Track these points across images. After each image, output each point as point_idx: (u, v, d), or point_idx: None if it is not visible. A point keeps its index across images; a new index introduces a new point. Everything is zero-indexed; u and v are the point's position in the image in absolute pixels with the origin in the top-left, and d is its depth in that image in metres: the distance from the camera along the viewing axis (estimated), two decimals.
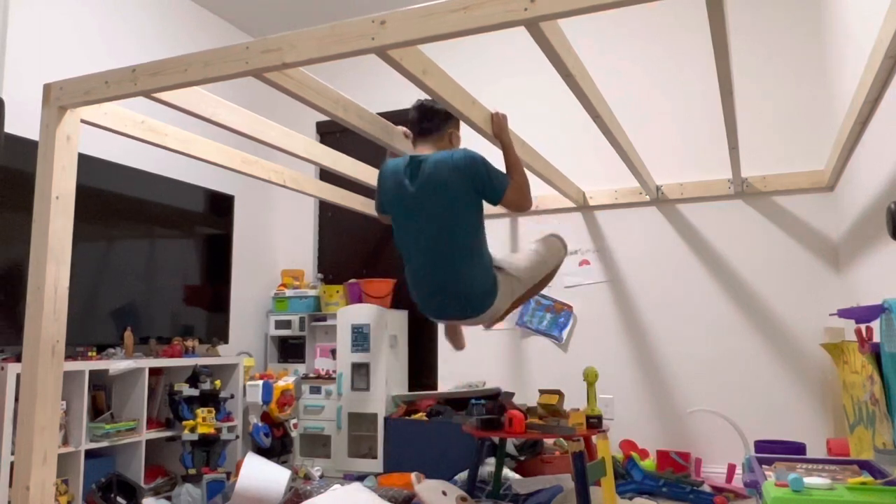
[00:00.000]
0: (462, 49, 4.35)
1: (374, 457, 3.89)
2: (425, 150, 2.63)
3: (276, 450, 3.74)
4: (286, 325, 4.44)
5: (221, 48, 1.96)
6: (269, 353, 4.56)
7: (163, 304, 3.68)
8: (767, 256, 3.64)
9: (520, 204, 2.63)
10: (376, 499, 2.50)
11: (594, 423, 2.70)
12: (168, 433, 3.42)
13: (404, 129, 2.88)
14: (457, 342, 3.01)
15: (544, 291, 4.08)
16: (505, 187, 2.54)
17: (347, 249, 4.78)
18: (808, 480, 1.40)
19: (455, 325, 2.88)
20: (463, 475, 3.20)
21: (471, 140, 3.95)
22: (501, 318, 2.81)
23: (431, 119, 2.68)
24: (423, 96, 2.62)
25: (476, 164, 2.49)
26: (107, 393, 3.32)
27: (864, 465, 1.69)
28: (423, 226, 2.50)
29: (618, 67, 4.05)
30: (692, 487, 3.12)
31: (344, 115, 2.43)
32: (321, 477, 3.66)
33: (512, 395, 3.89)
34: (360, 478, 3.63)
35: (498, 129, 2.68)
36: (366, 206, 3.86)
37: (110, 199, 3.43)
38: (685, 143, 3.88)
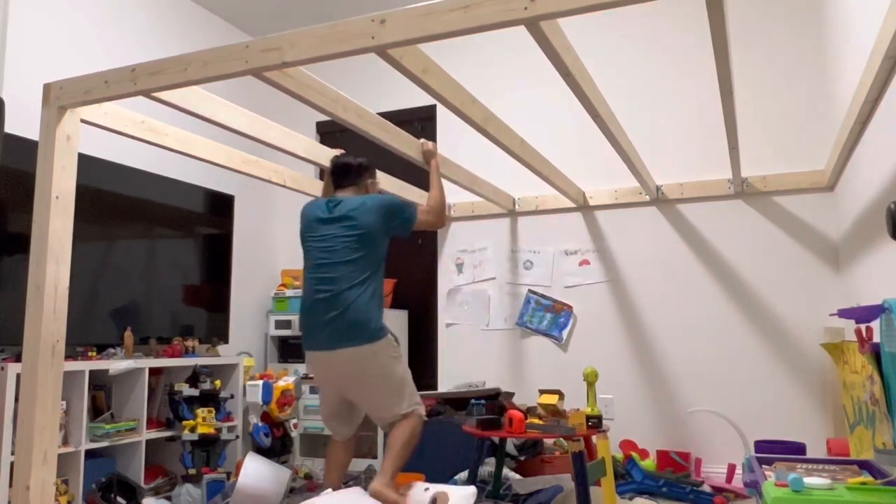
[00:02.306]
0: (462, 48, 4.35)
1: (375, 457, 3.89)
2: (344, 193, 2.86)
3: (276, 450, 3.74)
4: (286, 325, 4.44)
5: (221, 48, 1.96)
6: (269, 353, 4.55)
7: (163, 304, 3.68)
8: (767, 256, 3.64)
9: (434, 222, 2.92)
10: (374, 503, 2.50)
11: (594, 423, 2.70)
12: (168, 433, 3.42)
13: (341, 150, 3.17)
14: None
15: (543, 291, 4.10)
16: (412, 217, 2.80)
17: None
18: (808, 480, 1.40)
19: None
20: (463, 475, 3.20)
21: (465, 139, 3.96)
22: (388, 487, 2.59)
23: (348, 173, 2.90)
24: (421, 93, 2.63)
25: (389, 203, 2.75)
26: (107, 393, 3.32)
27: (864, 465, 1.69)
28: (329, 252, 2.69)
29: (618, 67, 4.05)
30: (692, 487, 3.12)
31: (344, 114, 2.43)
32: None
33: (512, 395, 3.89)
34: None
35: (428, 156, 3.09)
36: None
37: (110, 199, 3.43)
38: (685, 143, 3.88)
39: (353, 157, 2.94)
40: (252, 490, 2.81)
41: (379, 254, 2.73)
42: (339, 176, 2.89)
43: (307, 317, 2.71)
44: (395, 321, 4.20)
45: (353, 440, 2.90)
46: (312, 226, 2.78)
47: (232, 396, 3.66)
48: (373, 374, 2.65)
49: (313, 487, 3.32)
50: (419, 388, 4.25)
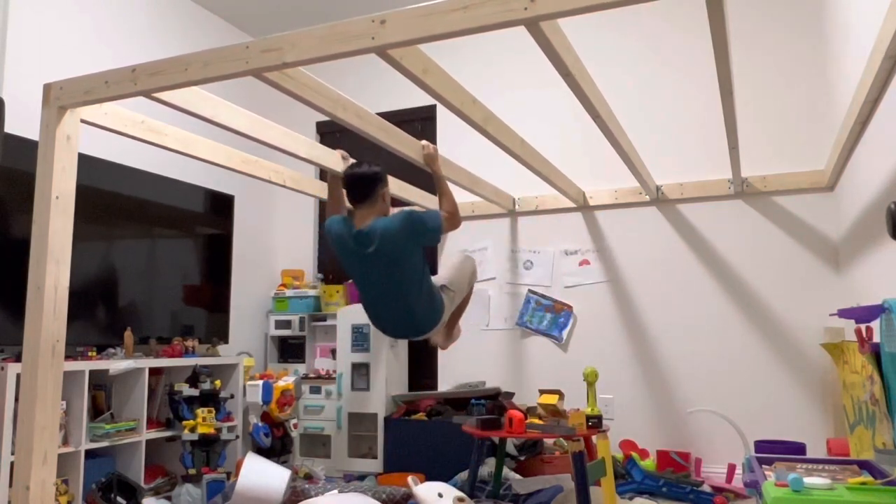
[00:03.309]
0: (462, 48, 4.35)
1: (375, 457, 3.89)
2: (365, 217, 2.86)
3: (276, 450, 3.74)
4: (286, 325, 4.44)
5: (221, 48, 1.96)
6: (269, 353, 4.55)
7: (163, 304, 3.68)
8: (767, 256, 3.64)
9: (453, 227, 2.98)
10: None
11: (594, 423, 2.70)
12: (168, 433, 3.42)
13: (342, 151, 3.23)
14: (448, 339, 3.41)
15: (543, 291, 4.10)
16: (439, 226, 2.85)
17: None
18: (808, 480, 1.40)
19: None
20: (463, 475, 3.20)
21: (465, 139, 3.95)
22: (450, 335, 3.35)
23: (362, 187, 2.89)
24: (421, 93, 2.63)
25: (413, 223, 2.78)
26: (107, 393, 3.32)
27: (864, 465, 1.69)
28: (380, 280, 2.84)
29: (618, 67, 4.05)
30: (692, 487, 3.12)
31: (344, 115, 2.43)
32: (326, 478, 3.66)
33: (512, 395, 3.89)
34: (361, 478, 3.63)
35: (430, 160, 3.06)
36: None
37: (110, 199, 3.43)
38: (685, 143, 3.88)
39: (365, 165, 2.89)
40: (252, 490, 2.81)
41: (417, 259, 2.84)
42: (353, 189, 2.88)
43: (376, 323, 3.02)
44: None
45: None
46: (347, 254, 2.90)
47: (232, 396, 3.66)
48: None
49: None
50: (419, 388, 4.28)
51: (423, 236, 2.81)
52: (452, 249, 4.37)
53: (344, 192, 3.02)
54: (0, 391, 2.66)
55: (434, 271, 3.25)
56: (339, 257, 2.98)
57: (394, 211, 2.93)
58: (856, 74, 2.66)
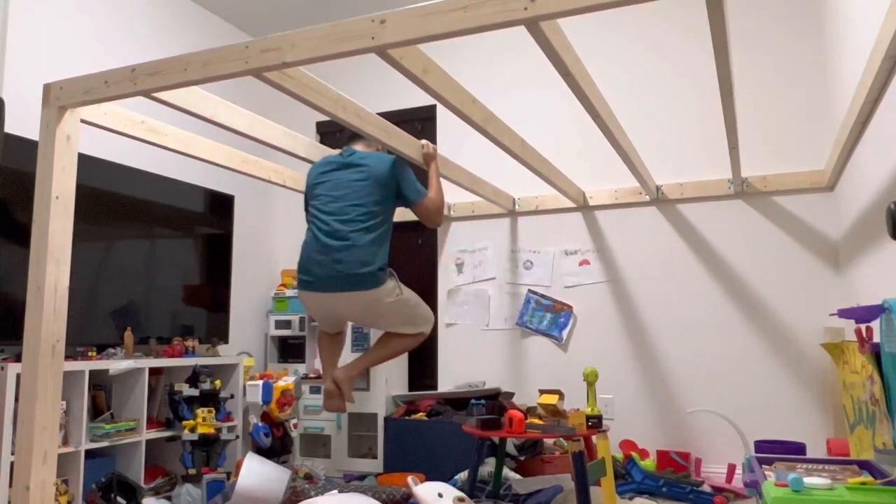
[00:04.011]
0: (462, 48, 4.35)
1: (374, 457, 3.89)
2: (358, 147, 2.97)
3: (276, 450, 3.74)
4: (286, 325, 4.44)
5: (221, 48, 1.96)
6: (269, 353, 4.55)
7: (163, 304, 3.68)
8: (767, 256, 3.64)
9: (431, 218, 2.93)
10: None
11: (594, 423, 2.70)
12: (168, 433, 3.42)
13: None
14: (338, 403, 2.98)
15: (543, 291, 4.10)
16: (422, 196, 2.86)
17: None
18: (808, 480, 1.40)
19: (337, 384, 2.96)
20: (463, 475, 3.20)
21: (465, 139, 3.96)
22: (353, 374, 2.95)
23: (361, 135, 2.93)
24: (421, 93, 2.64)
25: (403, 168, 2.82)
26: (107, 393, 3.32)
27: (864, 465, 1.69)
28: (337, 197, 2.77)
29: (618, 67, 4.05)
30: (692, 487, 3.12)
31: (344, 114, 2.43)
32: (326, 478, 3.66)
33: (512, 395, 3.89)
34: (361, 478, 3.63)
35: (429, 159, 3.09)
36: None
37: (110, 199, 3.43)
38: (685, 143, 3.88)
39: None
40: (252, 490, 2.81)
41: (388, 205, 2.81)
42: (353, 135, 2.99)
43: (309, 257, 2.77)
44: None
45: (343, 333, 3.19)
46: (322, 176, 2.86)
47: (232, 396, 3.66)
48: (374, 315, 2.84)
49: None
50: (419, 388, 4.27)
51: (404, 183, 2.83)
52: (452, 251, 4.37)
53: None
54: (0, 391, 2.66)
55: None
56: (312, 180, 2.92)
57: None
58: (856, 74, 2.66)
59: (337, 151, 3.10)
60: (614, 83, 3.96)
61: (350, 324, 3.26)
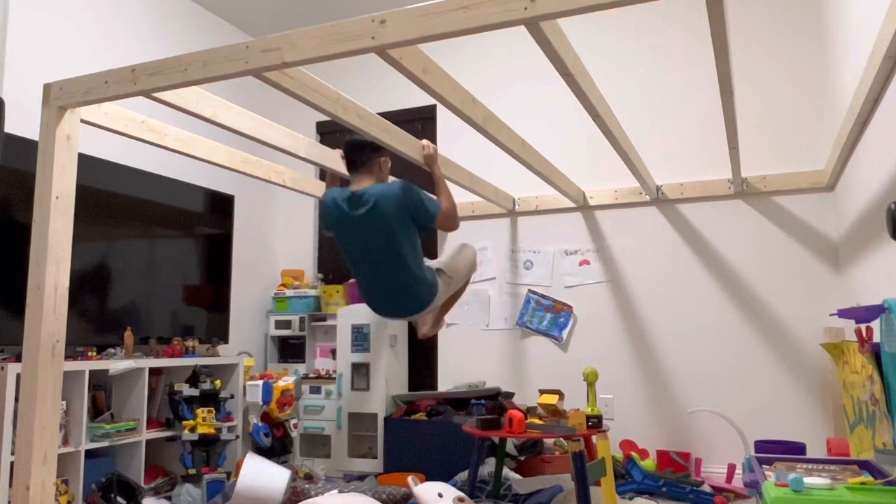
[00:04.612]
0: (463, 48, 4.36)
1: (375, 457, 3.89)
2: (362, 183, 2.89)
3: (276, 450, 3.74)
4: (286, 325, 4.44)
5: (221, 48, 1.96)
6: (269, 353, 4.55)
7: (163, 304, 3.68)
8: (767, 256, 3.64)
9: (449, 227, 2.98)
10: None
11: (594, 423, 2.70)
12: (168, 433, 3.42)
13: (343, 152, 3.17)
14: (433, 327, 3.43)
15: (543, 291, 4.10)
16: (436, 212, 2.86)
17: None
18: (808, 480, 1.40)
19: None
20: (463, 475, 3.20)
21: (465, 139, 3.96)
22: (437, 323, 3.39)
23: (360, 151, 2.93)
24: (421, 93, 2.65)
25: (411, 194, 2.79)
26: (107, 393, 3.32)
27: (864, 465, 1.69)
28: (369, 247, 2.83)
29: (618, 67, 4.05)
30: (692, 487, 3.12)
31: (344, 114, 2.43)
32: (326, 478, 3.66)
33: (512, 395, 3.89)
34: (361, 478, 3.63)
35: (430, 161, 3.04)
36: None
37: (110, 199, 3.43)
38: (685, 143, 3.88)
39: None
40: (252, 490, 2.81)
41: (410, 231, 2.83)
42: (351, 155, 2.94)
43: (365, 299, 3.01)
44: (396, 321, 4.20)
45: None
46: (339, 220, 2.88)
47: (232, 396, 3.66)
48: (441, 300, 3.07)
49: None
50: (419, 388, 4.27)
51: (416, 211, 2.80)
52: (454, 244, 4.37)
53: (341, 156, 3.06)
54: (0, 391, 2.66)
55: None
56: (331, 226, 2.95)
57: (392, 180, 2.95)
58: (856, 74, 2.66)
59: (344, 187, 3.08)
60: (614, 83, 3.96)
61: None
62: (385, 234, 2.77)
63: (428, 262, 2.98)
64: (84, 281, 3.23)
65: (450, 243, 4.35)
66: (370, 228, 2.78)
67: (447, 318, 3.41)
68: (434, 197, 2.94)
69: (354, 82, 4.69)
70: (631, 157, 3.16)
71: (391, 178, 3.03)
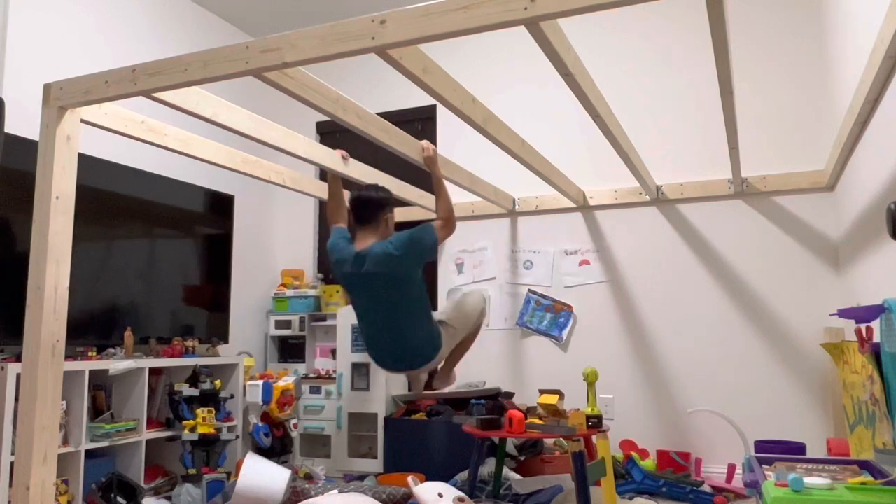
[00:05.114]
0: (463, 48, 4.35)
1: (375, 457, 3.89)
2: (367, 240, 2.93)
3: (276, 450, 3.74)
4: (286, 325, 4.44)
5: (221, 48, 1.96)
6: (269, 353, 4.55)
7: (163, 304, 3.68)
8: (767, 256, 3.64)
9: (448, 235, 3.00)
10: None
11: (594, 423, 2.70)
12: (168, 433, 3.42)
13: (342, 151, 3.23)
14: (442, 382, 3.39)
15: (543, 291, 4.10)
16: (435, 240, 2.88)
17: None
18: (808, 480, 1.40)
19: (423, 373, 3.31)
20: (463, 475, 3.20)
21: (465, 139, 3.96)
22: (447, 376, 3.34)
23: (367, 209, 2.97)
24: (421, 93, 2.65)
25: (409, 244, 2.82)
26: (107, 393, 3.32)
27: (864, 465, 1.69)
28: (376, 305, 2.90)
29: (618, 67, 4.05)
30: (692, 487, 3.12)
31: (344, 115, 2.43)
32: (326, 478, 3.66)
33: (512, 395, 3.89)
34: (361, 478, 3.63)
35: (430, 162, 3.07)
36: None
37: (110, 199, 3.43)
38: (685, 143, 3.88)
39: (374, 190, 3.00)
40: (252, 490, 2.81)
41: (416, 285, 2.89)
42: (358, 210, 2.98)
43: (371, 352, 3.05)
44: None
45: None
46: (347, 279, 2.96)
47: (232, 396, 3.66)
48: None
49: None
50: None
51: (420, 255, 2.86)
52: (452, 251, 4.37)
53: (347, 203, 3.08)
54: (0, 391, 2.66)
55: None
56: (340, 281, 3.05)
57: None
58: (856, 74, 2.66)
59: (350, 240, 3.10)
60: (614, 83, 3.96)
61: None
62: (390, 290, 2.85)
63: (433, 314, 3.03)
64: (84, 281, 3.23)
65: (447, 255, 4.35)
66: (375, 285, 2.86)
67: (457, 370, 3.40)
68: (425, 224, 2.94)
69: (354, 82, 4.69)
70: (631, 157, 3.16)
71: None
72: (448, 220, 2.96)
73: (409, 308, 2.88)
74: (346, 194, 3.29)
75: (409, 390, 3.99)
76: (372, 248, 2.88)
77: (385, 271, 2.82)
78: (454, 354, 3.22)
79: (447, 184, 3.13)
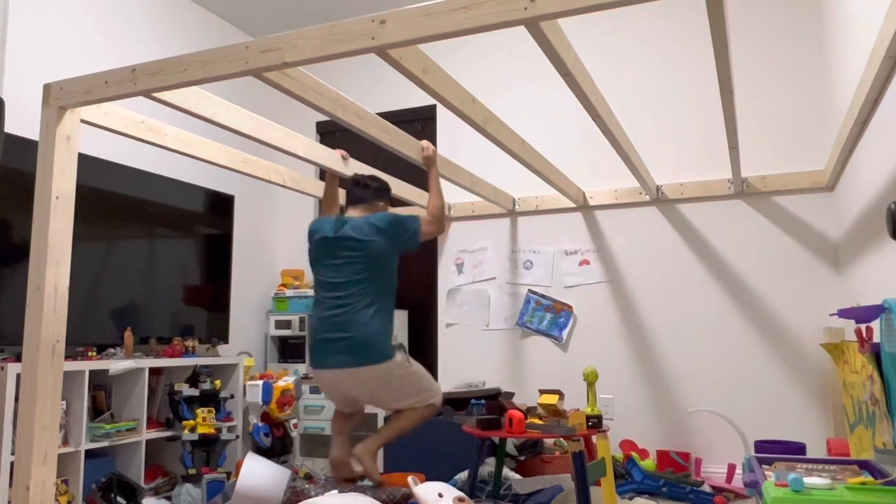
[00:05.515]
0: (463, 48, 4.36)
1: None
2: (355, 213, 2.90)
3: (276, 450, 3.74)
4: (286, 325, 4.44)
5: (221, 48, 1.96)
6: (269, 353, 4.55)
7: (163, 304, 3.68)
8: (767, 256, 3.64)
9: (435, 231, 2.94)
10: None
11: (594, 423, 2.70)
12: (168, 433, 3.42)
13: (342, 151, 3.21)
14: (347, 470, 2.94)
15: (543, 291, 4.10)
16: (419, 230, 2.84)
17: None
18: (808, 480, 1.40)
19: (346, 451, 2.94)
20: (463, 475, 3.20)
21: (465, 139, 3.96)
22: (374, 450, 2.88)
23: (365, 190, 2.95)
24: (421, 93, 2.65)
25: (391, 222, 2.79)
26: (107, 393, 3.32)
27: (864, 465, 1.69)
28: (340, 274, 2.76)
29: (618, 67, 4.05)
30: (692, 487, 3.12)
31: (344, 115, 2.43)
32: (326, 478, 3.66)
33: (512, 395, 3.89)
34: (361, 478, 3.63)
35: (429, 162, 3.06)
36: None
37: (110, 199, 3.43)
38: (685, 143, 3.88)
39: (375, 180, 3.01)
40: (252, 490, 2.81)
41: (387, 272, 2.80)
42: (355, 190, 2.95)
43: (317, 336, 2.80)
44: (396, 321, 4.19)
45: (358, 412, 3.07)
46: (320, 246, 2.85)
47: (232, 396, 3.66)
48: (385, 389, 2.79)
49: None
50: None
51: (399, 237, 2.80)
52: (452, 251, 4.37)
53: (341, 193, 3.02)
54: (0, 391, 2.66)
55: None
56: (311, 252, 2.91)
57: None
58: (856, 74, 2.66)
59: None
60: (614, 83, 3.96)
61: (366, 406, 3.13)
62: (358, 261, 2.74)
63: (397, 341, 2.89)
64: (84, 281, 3.23)
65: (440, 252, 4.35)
66: (346, 252, 2.75)
67: (380, 454, 2.98)
68: (416, 215, 2.92)
69: (354, 82, 4.69)
70: (631, 157, 3.16)
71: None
72: (437, 218, 2.93)
73: (378, 289, 2.73)
74: (342, 193, 3.29)
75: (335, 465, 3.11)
76: (355, 217, 2.85)
77: (362, 238, 2.74)
78: (388, 429, 2.89)
79: (444, 185, 3.13)
